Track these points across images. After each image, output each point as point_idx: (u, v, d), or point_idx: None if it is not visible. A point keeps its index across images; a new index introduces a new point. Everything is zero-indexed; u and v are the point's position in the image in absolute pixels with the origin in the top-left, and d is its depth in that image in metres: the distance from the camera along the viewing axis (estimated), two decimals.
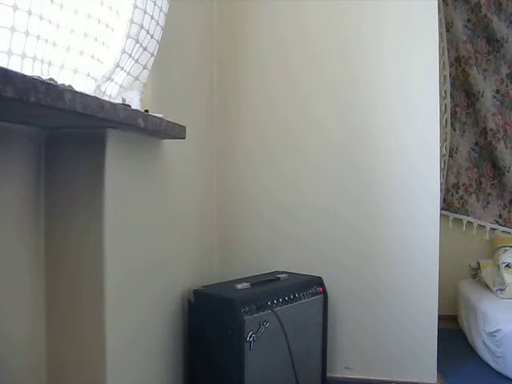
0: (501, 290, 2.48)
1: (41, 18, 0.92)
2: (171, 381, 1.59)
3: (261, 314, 1.58)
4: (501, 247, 2.83)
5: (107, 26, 1.16)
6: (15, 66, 0.89)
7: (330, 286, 1.94)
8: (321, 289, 1.88)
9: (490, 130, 3.01)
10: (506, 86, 3.02)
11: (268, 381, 1.60)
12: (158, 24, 1.29)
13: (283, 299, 1.68)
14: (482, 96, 3.01)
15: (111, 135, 1.14)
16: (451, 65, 3.11)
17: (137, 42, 1.20)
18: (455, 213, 3.13)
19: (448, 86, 3.11)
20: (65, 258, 1.13)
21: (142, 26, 1.21)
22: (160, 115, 1.27)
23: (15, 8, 0.85)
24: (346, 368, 2.03)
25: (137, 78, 1.28)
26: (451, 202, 3.13)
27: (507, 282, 2.46)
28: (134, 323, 1.28)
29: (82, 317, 1.13)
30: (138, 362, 1.32)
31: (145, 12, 1.21)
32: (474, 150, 3.11)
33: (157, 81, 1.51)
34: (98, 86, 1.17)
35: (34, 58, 0.93)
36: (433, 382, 1.95)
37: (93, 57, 1.13)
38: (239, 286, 1.66)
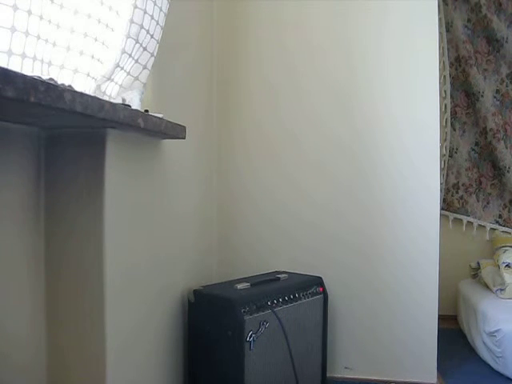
0: (501, 289, 2.48)
1: (41, 18, 0.92)
2: (171, 381, 1.59)
3: (261, 314, 1.58)
4: (501, 247, 2.83)
5: (107, 26, 1.16)
6: (15, 66, 0.89)
7: (330, 286, 1.94)
8: (321, 289, 1.88)
9: (490, 130, 3.01)
10: (506, 86, 3.02)
11: (268, 381, 1.60)
12: (158, 24, 1.29)
13: (283, 299, 1.68)
14: (482, 96, 3.01)
15: (111, 135, 1.14)
16: (451, 65, 3.11)
17: (137, 41, 1.20)
18: (455, 213, 3.12)
19: (448, 86, 3.11)
20: (65, 258, 1.13)
21: (142, 26, 1.21)
22: (160, 115, 1.27)
23: (15, 8, 0.85)
24: (346, 368, 2.03)
25: (137, 78, 1.28)
26: (451, 202, 3.13)
27: (507, 282, 2.46)
28: (133, 323, 1.28)
29: (82, 316, 1.13)
30: (138, 362, 1.32)
31: (145, 12, 1.21)
32: (474, 150, 3.11)
33: (157, 81, 1.51)
34: (98, 86, 1.17)
35: (34, 58, 0.93)
36: (433, 382, 1.95)
37: (93, 57, 1.13)
38: (239, 286, 1.66)
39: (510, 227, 3.05)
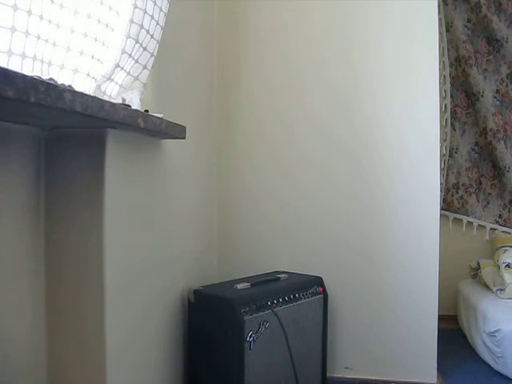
0: (501, 290, 2.48)
1: (41, 17, 0.92)
2: (171, 380, 1.59)
3: (261, 313, 1.58)
4: (501, 247, 2.83)
5: (107, 25, 1.16)
6: (15, 66, 0.89)
7: (330, 286, 1.95)
8: (321, 289, 1.88)
9: (490, 130, 3.01)
10: (506, 86, 3.02)
11: (268, 381, 1.60)
12: (158, 24, 1.29)
13: (283, 299, 1.68)
14: (481, 96, 3.01)
15: (111, 135, 1.14)
16: (451, 65, 3.11)
17: (137, 41, 1.20)
18: (455, 213, 3.13)
19: (448, 86, 3.11)
20: (65, 258, 1.13)
21: (142, 26, 1.21)
22: (160, 115, 1.27)
23: (15, 8, 0.85)
24: (346, 368, 2.03)
25: (137, 78, 1.28)
26: (451, 202, 3.13)
27: (507, 282, 2.46)
28: (134, 323, 1.28)
29: (82, 316, 1.13)
30: (138, 362, 1.32)
31: (145, 12, 1.21)
32: (474, 149, 3.11)
33: (157, 81, 1.51)
34: (98, 86, 1.17)
35: (34, 58, 0.93)
36: (433, 382, 1.95)
37: (93, 57, 1.13)
38: (239, 286, 1.66)
39: (510, 227, 3.05)
